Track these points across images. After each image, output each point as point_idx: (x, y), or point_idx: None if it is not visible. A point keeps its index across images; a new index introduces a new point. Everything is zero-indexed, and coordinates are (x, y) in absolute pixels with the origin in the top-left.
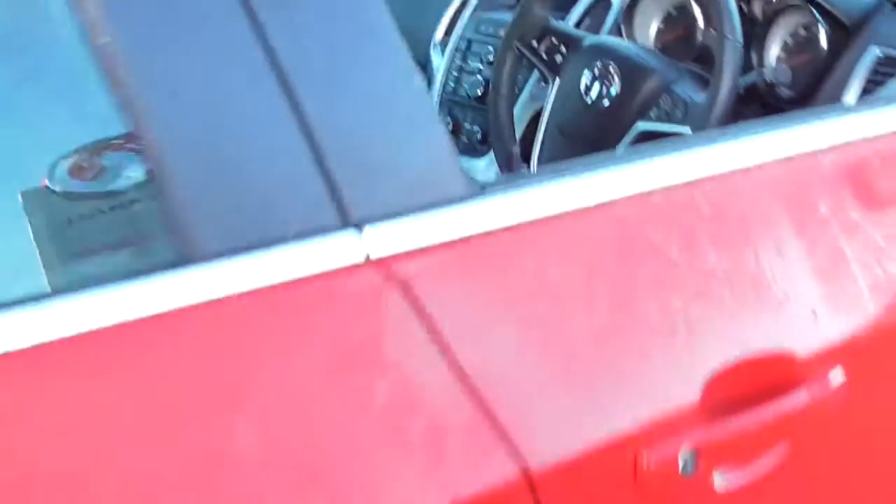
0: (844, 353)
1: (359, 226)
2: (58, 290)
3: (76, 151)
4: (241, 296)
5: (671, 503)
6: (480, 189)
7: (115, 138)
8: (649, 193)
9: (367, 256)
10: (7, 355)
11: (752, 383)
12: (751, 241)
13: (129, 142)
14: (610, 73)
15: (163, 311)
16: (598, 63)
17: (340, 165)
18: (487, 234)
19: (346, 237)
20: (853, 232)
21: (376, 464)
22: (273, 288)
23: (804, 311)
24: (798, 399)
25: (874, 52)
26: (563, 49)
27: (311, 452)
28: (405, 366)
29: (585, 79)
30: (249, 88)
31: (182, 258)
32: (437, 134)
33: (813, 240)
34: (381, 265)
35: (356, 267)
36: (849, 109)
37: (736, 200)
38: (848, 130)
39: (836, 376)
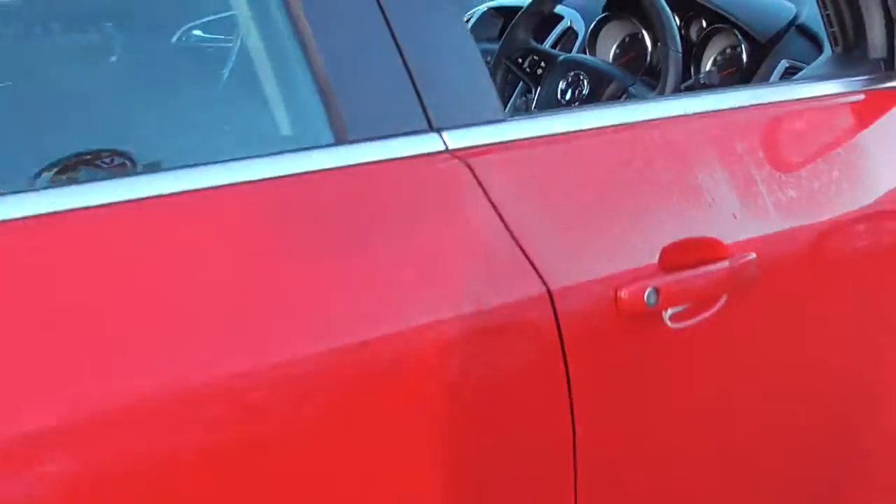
0: (755, 243)
1: (439, 130)
2: None
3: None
4: (366, 167)
5: (639, 326)
6: (510, 116)
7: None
8: (626, 126)
9: (446, 147)
10: None
11: (693, 254)
12: (691, 165)
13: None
14: (581, 80)
15: (314, 179)
16: (571, 73)
17: (428, 90)
18: (523, 140)
19: (432, 136)
20: (761, 166)
21: (459, 279)
22: (390, 163)
23: (727, 213)
24: (723, 266)
25: (784, 63)
26: (543, 64)
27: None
28: (469, 214)
29: (561, 86)
30: (371, 33)
31: (336, 139)
32: (484, 74)
33: (733, 169)
34: (455, 153)
35: (439, 153)
36: (758, 86)
37: (682, 138)
38: (757, 99)
39: (750, 256)
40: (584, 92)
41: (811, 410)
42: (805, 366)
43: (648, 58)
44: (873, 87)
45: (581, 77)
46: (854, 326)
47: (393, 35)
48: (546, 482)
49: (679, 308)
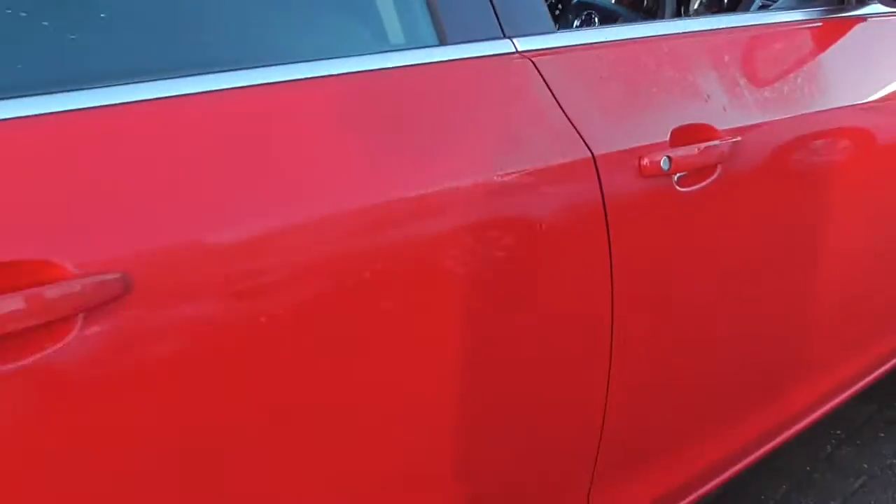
0: (740, 129)
1: (510, 37)
2: None
3: None
4: (461, 62)
5: (656, 186)
6: (558, 28)
7: None
8: (642, 40)
9: (516, 49)
10: None
11: (694, 135)
12: (690, 68)
13: None
14: (592, 17)
15: (424, 70)
16: (584, 13)
17: (503, 9)
18: (569, 46)
19: (506, 42)
20: (743, 73)
21: (527, 145)
22: (477, 60)
23: (719, 106)
24: (716, 145)
25: (758, 1)
26: (560, 6)
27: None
28: (534, 98)
29: (576, 23)
30: None
31: (439, 42)
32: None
33: (722, 74)
34: (523, 54)
35: (511, 54)
36: (739, 14)
37: (684, 50)
38: (738, 23)
39: (736, 138)
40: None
41: (790, 261)
42: (782, 224)
43: (645, 1)
44: (828, 16)
45: (592, 15)
46: (816, 192)
47: None
48: (591, 327)
49: (684, 174)
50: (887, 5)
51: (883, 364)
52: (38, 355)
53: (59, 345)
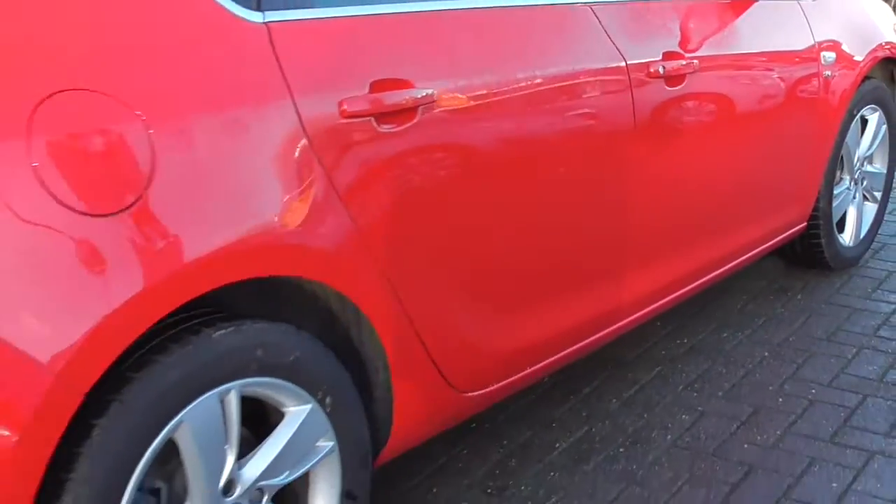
0: (697, 58)
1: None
2: None
3: None
4: None
5: (657, 87)
6: None
7: None
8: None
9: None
10: None
11: (675, 57)
12: (673, 17)
13: None
14: None
15: None
16: None
17: None
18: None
19: None
20: (695, 24)
21: (588, 52)
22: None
23: (686, 41)
24: (684, 63)
25: None
26: None
27: None
28: (584, 25)
29: None
30: None
31: None
32: None
33: (690, 21)
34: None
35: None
36: None
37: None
38: None
39: (694, 61)
40: None
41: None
42: (721, 123)
43: None
44: None
45: None
46: (745, 110)
47: None
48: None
49: (672, 76)
50: None
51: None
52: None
53: (411, 123)
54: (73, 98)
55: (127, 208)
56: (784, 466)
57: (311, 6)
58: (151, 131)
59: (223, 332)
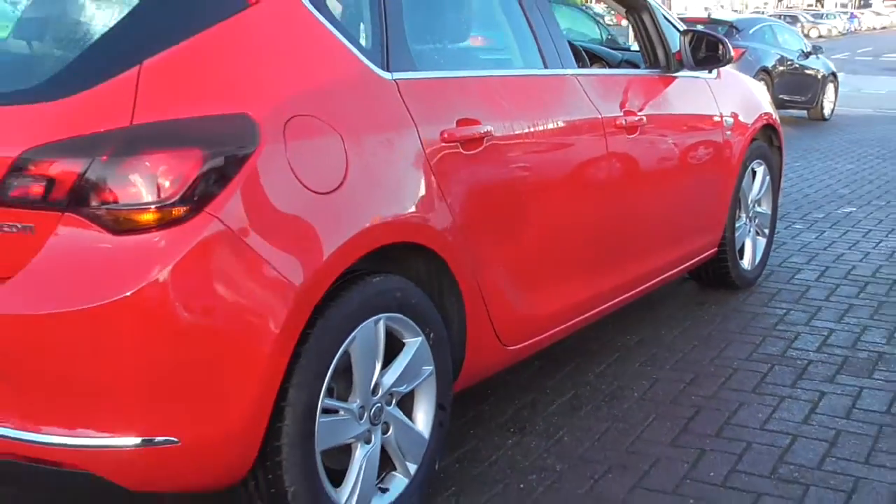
0: (644, 118)
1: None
2: None
3: None
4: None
5: (622, 132)
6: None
7: None
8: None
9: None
10: None
11: (628, 114)
12: (619, 88)
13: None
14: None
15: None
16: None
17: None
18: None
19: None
20: (631, 93)
21: None
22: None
23: (632, 105)
24: (636, 118)
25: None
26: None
27: None
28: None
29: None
30: None
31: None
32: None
33: (622, 94)
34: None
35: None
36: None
37: (609, 82)
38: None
39: (644, 119)
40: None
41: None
42: (659, 163)
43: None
44: (664, 74)
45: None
46: (667, 156)
47: None
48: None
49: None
50: (690, 70)
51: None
52: (476, 150)
53: (480, 148)
54: (304, 121)
55: (336, 189)
56: (722, 406)
57: (417, 70)
58: (345, 143)
59: (378, 278)
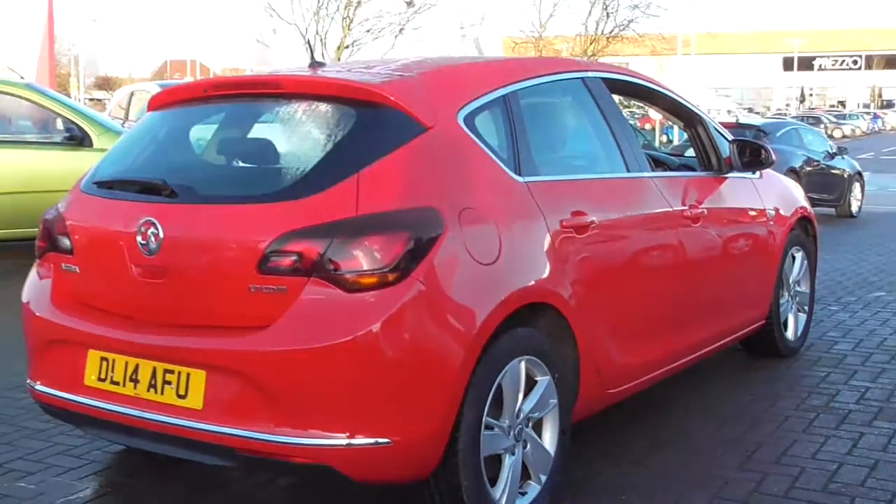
0: (705, 210)
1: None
2: None
3: None
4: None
5: (688, 221)
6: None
7: None
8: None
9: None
10: None
11: (692, 207)
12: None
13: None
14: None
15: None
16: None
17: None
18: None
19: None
20: (691, 192)
21: None
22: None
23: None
24: (699, 210)
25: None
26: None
27: None
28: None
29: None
30: None
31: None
32: None
33: (679, 193)
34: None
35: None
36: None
37: (672, 184)
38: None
39: (704, 211)
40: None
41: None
42: (718, 247)
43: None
44: (714, 175)
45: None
46: (725, 242)
47: None
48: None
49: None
50: (738, 172)
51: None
52: (586, 234)
53: (588, 233)
54: (470, 212)
55: (494, 262)
56: (778, 443)
57: (540, 175)
58: (498, 228)
59: (522, 329)
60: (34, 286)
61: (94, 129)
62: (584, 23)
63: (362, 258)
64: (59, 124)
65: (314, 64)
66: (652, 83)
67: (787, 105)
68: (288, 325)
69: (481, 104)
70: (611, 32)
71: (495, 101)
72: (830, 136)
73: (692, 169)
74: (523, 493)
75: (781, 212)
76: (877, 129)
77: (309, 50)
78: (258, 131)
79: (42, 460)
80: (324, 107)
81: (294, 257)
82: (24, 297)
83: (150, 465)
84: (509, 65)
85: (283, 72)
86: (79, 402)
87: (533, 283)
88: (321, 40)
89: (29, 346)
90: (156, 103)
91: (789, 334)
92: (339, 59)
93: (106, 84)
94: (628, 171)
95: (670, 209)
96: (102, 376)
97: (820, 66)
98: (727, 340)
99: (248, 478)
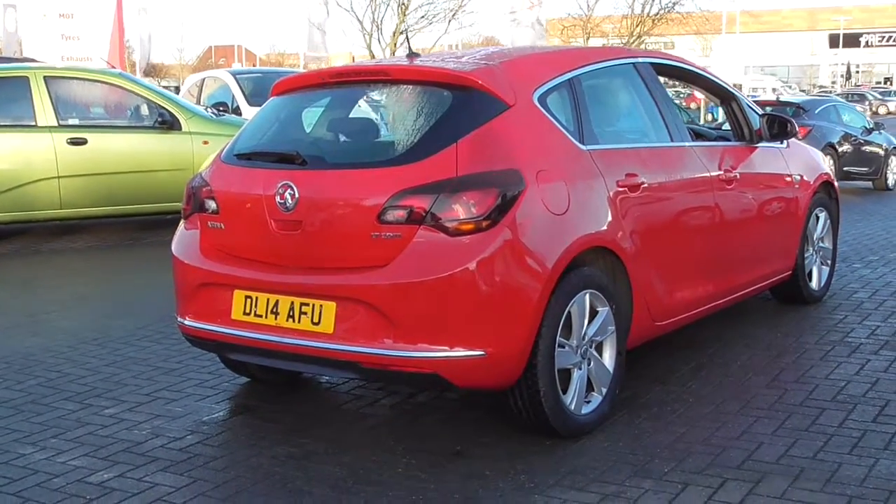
0: (738, 174)
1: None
2: None
3: None
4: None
5: (723, 184)
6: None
7: None
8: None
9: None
10: None
11: (727, 171)
12: (716, 157)
13: None
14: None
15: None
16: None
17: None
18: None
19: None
20: (728, 159)
21: None
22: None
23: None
24: (732, 174)
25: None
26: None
27: None
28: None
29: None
30: None
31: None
32: None
33: (716, 161)
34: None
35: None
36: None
37: (711, 152)
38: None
39: (737, 174)
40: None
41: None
42: (750, 205)
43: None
44: (749, 145)
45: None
46: (756, 202)
47: None
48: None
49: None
50: (767, 142)
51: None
52: (637, 192)
53: (639, 191)
54: (545, 173)
55: (564, 213)
56: (805, 357)
57: (598, 144)
58: (567, 186)
59: (586, 268)
60: (182, 241)
61: (183, 114)
62: (631, 5)
63: (461, 210)
64: (149, 110)
65: (411, 55)
66: (691, 66)
67: (833, 83)
68: (404, 263)
69: (552, 86)
70: (657, 14)
71: (563, 83)
72: (875, 113)
73: (727, 139)
74: (588, 402)
75: (805, 177)
76: None
77: (407, 42)
78: (371, 111)
79: (181, 390)
80: (426, 90)
81: (407, 210)
82: (174, 250)
83: (271, 392)
84: (573, 53)
85: (387, 62)
86: (227, 333)
87: (594, 231)
88: (377, 26)
89: (179, 289)
90: (279, 89)
91: (813, 284)
92: (395, 45)
93: (153, 71)
94: (672, 141)
95: (708, 174)
96: (247, 311)
97: (867, 42)
98: (758, 287)
99: (368, 383)
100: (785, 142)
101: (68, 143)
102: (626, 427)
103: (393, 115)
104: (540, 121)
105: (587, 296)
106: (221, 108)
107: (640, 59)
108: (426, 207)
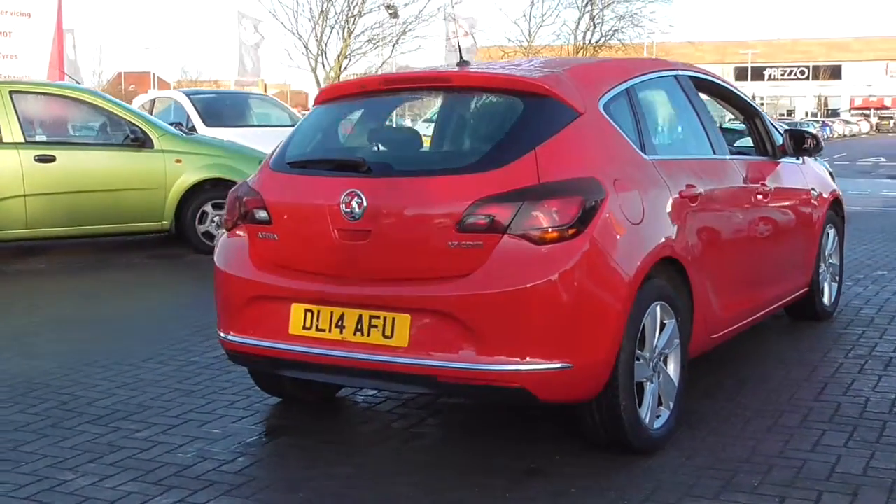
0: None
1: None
2: None
3: None
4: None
5: (759, 198)
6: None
7: None
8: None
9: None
10: None
11: (763, 185)
12: (739, 170)
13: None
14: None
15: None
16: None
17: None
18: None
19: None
20: (755, 175)
21: None
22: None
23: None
24: (767, 188)
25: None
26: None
27: None
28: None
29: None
30: None
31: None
32: None
33: (743, 173)
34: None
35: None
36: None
37: (737, 167)
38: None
39: (771, 188)
40: None
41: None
42: (778, 219)
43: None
44: (770, 160)
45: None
46: (783, 216)
47: None
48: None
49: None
50: (790, 156)
51: (791, 295)
52: (696, 202)
53: (697, 201)
54: (620, 182)
55: (641, 222)
56: (839, 376)
57: (658, 154)
58: (641, 195)
59: (658, 279)
60: (228, 252)
61: (154, 132)
62: (574, 32)
63: (545, 218)
64: (120, 127)
65: (462, 63)
66: (724, 82)
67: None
68: (487, 273)
69: (614, 94)
70: (597, 42)
71: (622, 92)
72: None
73: (746, 154)
74: (657, 416)
75: (821, 193)
76: (826, 136)
77: (458, 50)
78: (433, 118)
79: (212, 412)
80: (495, 97)
81: (489, 218)
82: (218, 262)
83: (307, 411)
84: (624, 63)
85: (443, 69)
86: (282, 349)
87: (665, 240)
88: (322, 50)
89: (224, 303)
90: (324, 97)
91: (825, 300)
92: (339, 68)
93: None
94: (714, 153)
95: (747, 186)
96: (307, 325)
97: (770, 75)
98: (784, 302)
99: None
100: (801, 158)
101: (36, 160)
102: (693, 441)
103: (458, 122)
104: (609, 129)
105: (658, 307)
106: (178, 128)
107: (681, 72)
108: (510, 215)
